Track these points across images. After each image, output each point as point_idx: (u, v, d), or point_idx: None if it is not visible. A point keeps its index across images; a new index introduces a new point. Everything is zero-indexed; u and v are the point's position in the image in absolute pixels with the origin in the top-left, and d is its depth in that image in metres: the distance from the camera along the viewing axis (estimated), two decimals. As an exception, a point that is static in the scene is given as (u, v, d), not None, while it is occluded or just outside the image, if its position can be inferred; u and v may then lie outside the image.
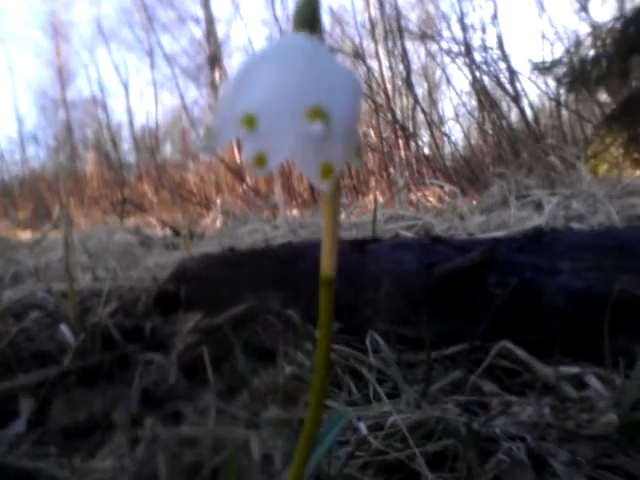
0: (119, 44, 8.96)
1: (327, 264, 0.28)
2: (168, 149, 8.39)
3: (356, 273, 0.86)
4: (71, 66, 8.96)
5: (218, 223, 3.61)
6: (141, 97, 10.47)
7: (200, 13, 7.66)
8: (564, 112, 6.10)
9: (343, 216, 3.61)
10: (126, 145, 8.25)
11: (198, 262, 0.95)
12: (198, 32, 7.95)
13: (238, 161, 6.87)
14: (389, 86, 6.56)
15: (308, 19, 0.23)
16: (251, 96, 0.21)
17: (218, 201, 4.49)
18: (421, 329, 0.79)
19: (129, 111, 8.11)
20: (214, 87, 7.56)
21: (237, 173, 6.58)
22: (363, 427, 0.56)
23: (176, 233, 3.09)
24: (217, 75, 7.39)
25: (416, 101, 6.50)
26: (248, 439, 0.50)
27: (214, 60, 7.34)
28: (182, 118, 7.79)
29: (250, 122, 0.20)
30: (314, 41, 0.22)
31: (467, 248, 0.84)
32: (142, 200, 5.75)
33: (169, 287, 0.90)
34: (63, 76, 8.78)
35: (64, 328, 1.06)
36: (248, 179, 6.54)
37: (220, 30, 7.75)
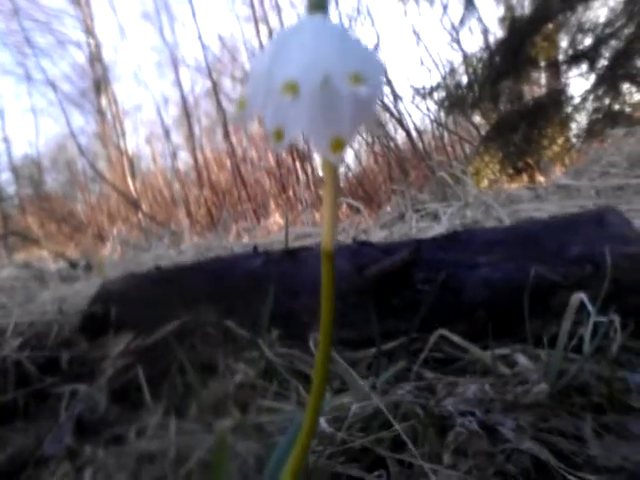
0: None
1: (327, 238, 0.30)
2: (53, 180, 7.86)
3: (291, 280, 0.87)
4: None
5: (117, 252, 3.44)
6: (21, 125, 9.72)
7: (82, 37, 7.35)
8: (445, 133, 6.58)
9: (246, 239, 3.60)
10: (4, 176, 7.61)
11: (123, 282, 0.91)
12: (81, 57, 7.61)
13: (132, 189, 6.62)
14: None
15: (320, 2, 0.25)
16: (291, 64, 0.22)
17: (115, 230, 4.28)
18: (359, 330, 0.82)
19: (6, 140, 7.51)
20: (101, 113, 7.25)
21: (132, 202, 6.34)
22: (323, 422, 0.57)
23: (72, 265, 2.90)
24: (104, 101, 7.11)
25: (309, 125, 6.66)
26: (216, 443, 0.49)
27: (100, 85, 7.05)
28: (67, 146, 7.36)
29: (293, 88, 0.22)
30: (332, 21, 0.24)
31: (392, 250, 0.89)
32: (27, 233, 5.32)
33: (96, 310, 0.86)
34: None
35: (-32, 367, 0.96)
36: (143, 206, 6.32)
37: (106, 55, 7.48)
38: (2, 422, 0.86)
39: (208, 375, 0.75)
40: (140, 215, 5.86)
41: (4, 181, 7.32)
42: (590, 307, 0.68)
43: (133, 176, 6.58)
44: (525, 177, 4.53)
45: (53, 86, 6.78)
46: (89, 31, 7.12)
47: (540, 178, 4.26)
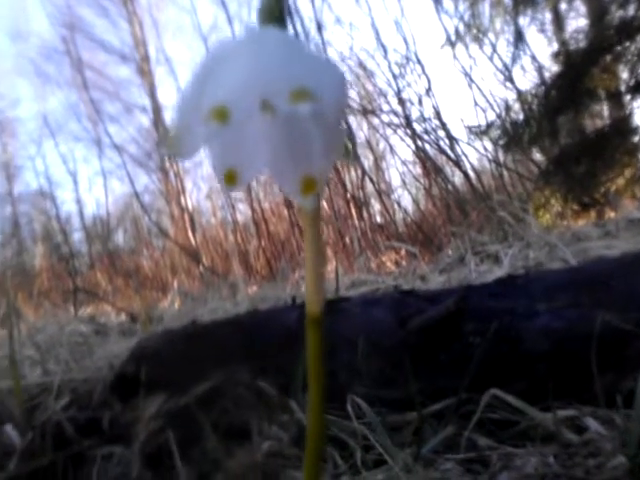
0: (66, 136, 8.96)
1: (313, 299, 0.25)
2: (120, 237, 8.24)
3: (328, 335, 0.81)
4: (18, 161, 8.87)
5: (176, 305, 3.50)
6: (90, 187, 10.36)
7: (147, 102, 7.83)
8: (505, 172, 6.40)
9: (303, 288, 3.57)
10: (77, 235, 8.07)
11: (158, 339, 0.89)
12: (145, 120, 8.09)
13: (193, 243, 6.81)
14: (337, 160, 6.71)
15: (274, 13, 0.20)
16: (222, 86, 0.18)
17: (175, 284, 4.38)
18: (403, 389, 0.74)
19: (78, 201, 8.00)
20: (164, 172, 7.60)
21: (193, 255, 6.50)
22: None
23: (133, 319, 2.96)
24: (166, 159, 7.46)
25: (364, 172, 6.68)
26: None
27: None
28: (133, 205, 7.73)
29: (222, 115, 0.17)
30: (285, 32, 0.20)
31: (439, 298, 0.82)
32: (95, 289, 5.54)
33: (128, 369, 0.83)
34: (9, 171, 8.66)
35: (9, 429, 0.95)
36: (204, 260, 6.46)
37: (167, 116, 7.90)
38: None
39: (239, 441, 0.69)
40: (201, 267, 5.98)
41: (76, 240, 7.76)
42: (672, 360, 0.58)
43: (194, 230, 6.78)
44: (593, 213, 4.29)
45: (120, 149, 7.21)
46: (152, 96, 7.59)
47: (610, 213, 4.02)
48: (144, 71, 7.67)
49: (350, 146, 0.21)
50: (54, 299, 5.11)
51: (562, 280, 0.80)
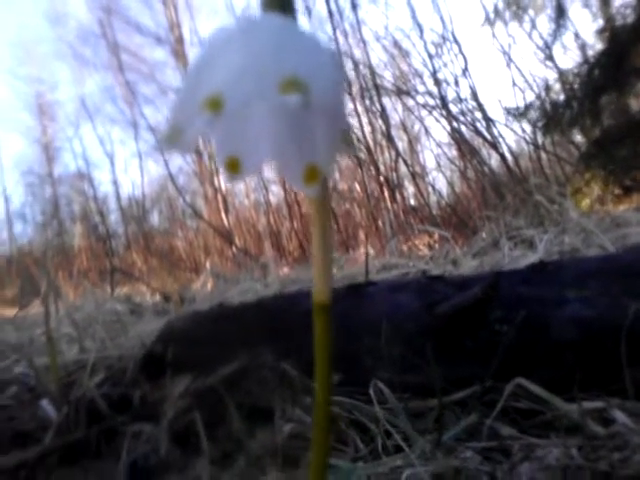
0: (103, 118, 9.16)
1: (320, 287, 0.25)
2: (155, 217, 8.41)
3: (353, 319, 0.81)
4: (57, 143, 9.12)
5: (209, 286, 3.55)
6: (126, 168, 10.56)
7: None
8: (543, 154, 6.23)
9: (334, 270, 3.57)
10: (113, 216, 8.28)
11: (186, 320, 0.90)
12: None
13: (226, 224, 6.89)
14: (370, 141, 6.65)
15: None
16: (215, 76, 0.18)
17: (208, 264, 4.44)
18: (427, 375, 0.74)
19: (115, 183, 8.18)
20: (198, 153, 7.67)
21: (226, 236, 6.59)
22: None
23: (166, 299, 3.02)
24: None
25: (398, 154, 6.59)
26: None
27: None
28: (168, 186, 7.87)
29: (215, 104, 0.17)
30: (284, 18, 0.19)
31: (467, 285, 0.81)
32: (131, 269, 5.69)
33: (156, 349, 0.85)
34: (49, 153, 8.91)
35: (45, 404, 0.99)
36: (237, 241, 6.53)
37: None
38: (70, 461, 0.87)
39: (263, 422, 0.70)
40: (233, 249, 6.06)
41: (113, 221, 7.97)
42: None
43: (227, 211, 6.86)
44: (635, 197, 4.14)
45: (155, 131, 7.31)
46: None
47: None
48: (178, 53, 7.73)
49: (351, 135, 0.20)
50: (92, 278, 5.26)
51: (594, 268, 0.77)
